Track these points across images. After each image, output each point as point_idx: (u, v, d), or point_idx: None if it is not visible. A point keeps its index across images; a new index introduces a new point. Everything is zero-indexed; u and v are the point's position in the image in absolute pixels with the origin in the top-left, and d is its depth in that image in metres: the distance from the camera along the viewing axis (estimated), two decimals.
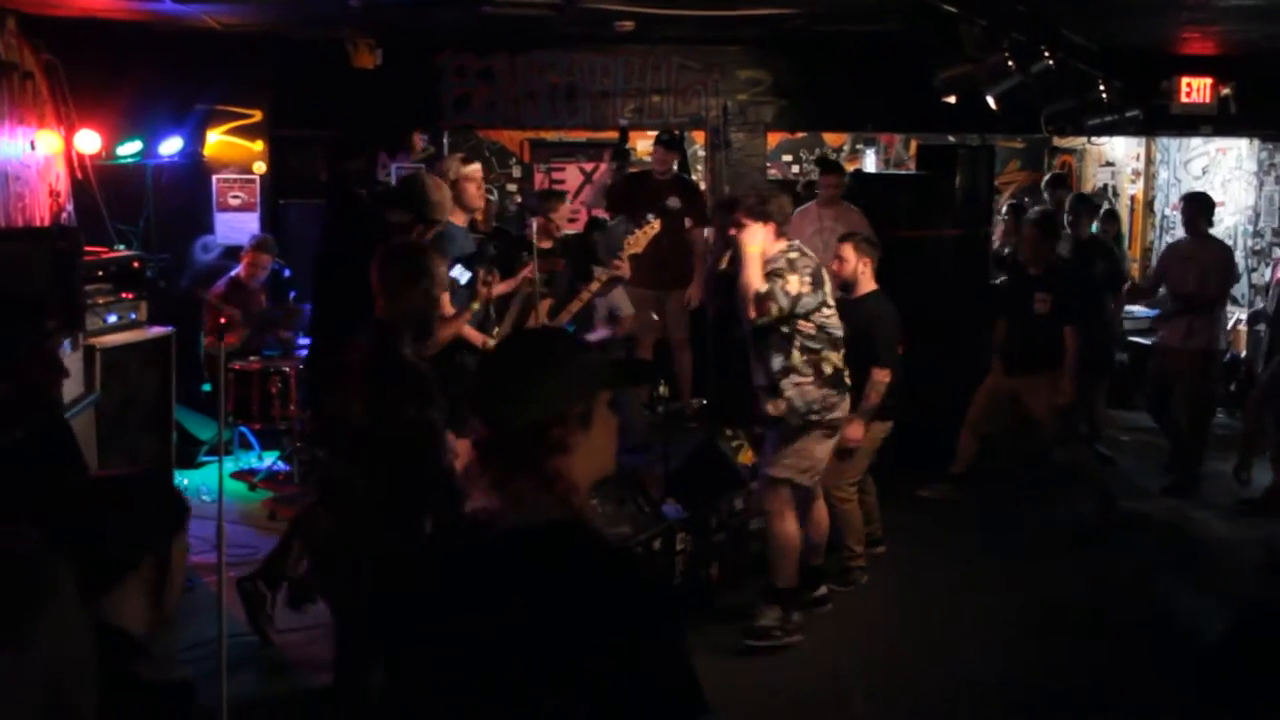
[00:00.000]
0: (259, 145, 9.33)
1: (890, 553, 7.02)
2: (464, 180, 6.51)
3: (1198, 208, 8.67)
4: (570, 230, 10.41)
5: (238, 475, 8.24)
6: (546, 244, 7.20)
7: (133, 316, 6.75)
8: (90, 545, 2.46)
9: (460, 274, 6.71)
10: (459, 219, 6.54)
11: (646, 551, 6.03)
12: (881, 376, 6.32)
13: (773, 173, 12.75)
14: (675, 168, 9.79)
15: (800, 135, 13.89)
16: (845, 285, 6.58)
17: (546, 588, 2.06)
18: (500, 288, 7.20)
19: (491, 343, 6.58)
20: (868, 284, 6.62)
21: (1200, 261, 8.42)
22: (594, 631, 2.03)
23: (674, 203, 9.38)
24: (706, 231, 9.41)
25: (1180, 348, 8.38)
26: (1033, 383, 7.83)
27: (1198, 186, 12.34)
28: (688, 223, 9.47)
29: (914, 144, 13.31)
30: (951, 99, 8.15)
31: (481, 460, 2.18)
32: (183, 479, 7.49)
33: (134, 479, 2.86)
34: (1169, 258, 8.89)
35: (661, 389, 10.07)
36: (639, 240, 7.55)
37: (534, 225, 7.16)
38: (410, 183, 6.20)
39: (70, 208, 8.53)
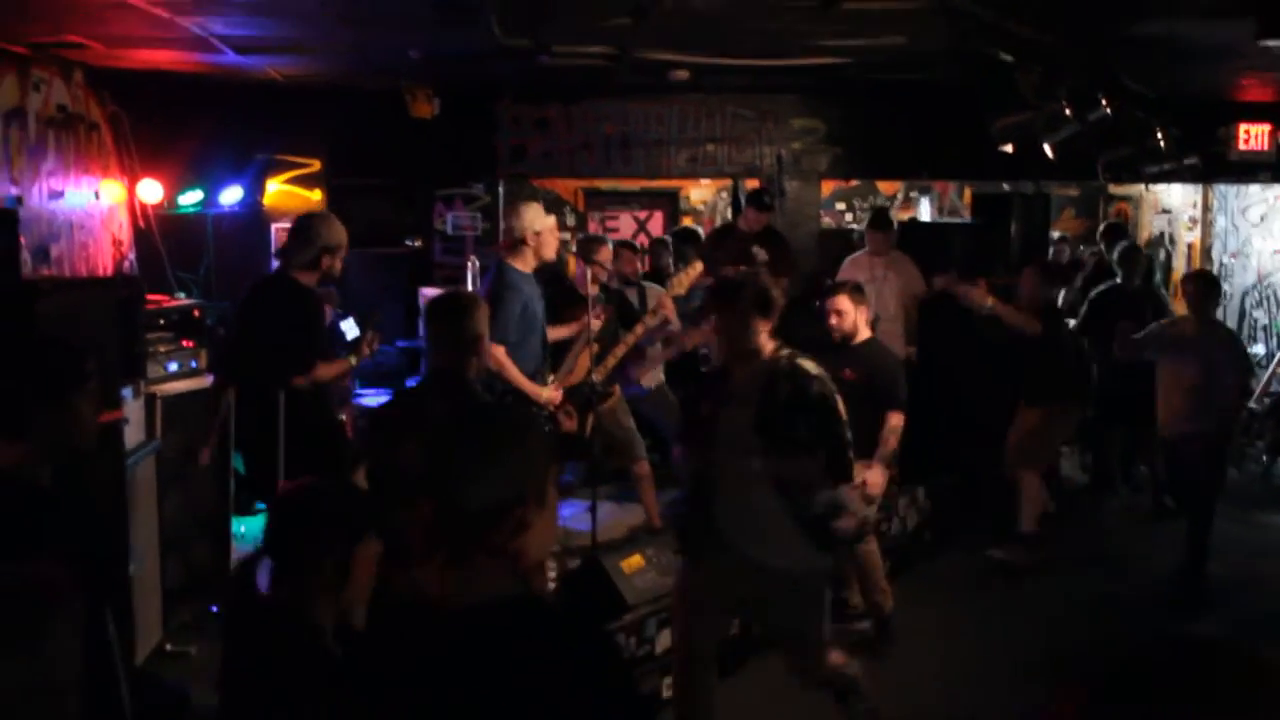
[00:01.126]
0: (317, 194, 9.43)
1: (918, 595, 7.06)
2: (547, 233, 6.72)
3: (1206, 288, 7.88)
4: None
5: None
6: (593, 290, 7.26)
7: (193, 365, 6.81)
8: (273, 551, 2.76)
9: (350, 328, 7.16)
10: (526, 265, 6.69)
11: None
12: (898, 420, 6.31)
13: (826, 221, 12.74)
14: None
15: (854, 183, 13.88)
16: (844, 335, 6.60)
17: (519, 662, 2.05)
18: (561, 332, 7.29)
19: (546, 394, 6.62)
20: (865, 330, 6.68)
21: (1205, 351, 7.58)
22: (573, 703, 2.03)
23: (759, 254, 9.35)
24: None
25: (1186, 434, 7.66)
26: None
27: (1256, 234, 12.22)
28: (736, 263, 9.40)
29: (968, 191, 13.26)
30: (1008, 147, 8.12)
31: (432, 538, 2.16)
32: (240, 526, 7.53)
33: (314, 491, 2.95)
34: (1167, 337, 7.91)
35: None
36: (681, 282, 7.64)
37: (588, 274, 7.23)
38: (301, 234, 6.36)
39: (132, 256, 8.65)
